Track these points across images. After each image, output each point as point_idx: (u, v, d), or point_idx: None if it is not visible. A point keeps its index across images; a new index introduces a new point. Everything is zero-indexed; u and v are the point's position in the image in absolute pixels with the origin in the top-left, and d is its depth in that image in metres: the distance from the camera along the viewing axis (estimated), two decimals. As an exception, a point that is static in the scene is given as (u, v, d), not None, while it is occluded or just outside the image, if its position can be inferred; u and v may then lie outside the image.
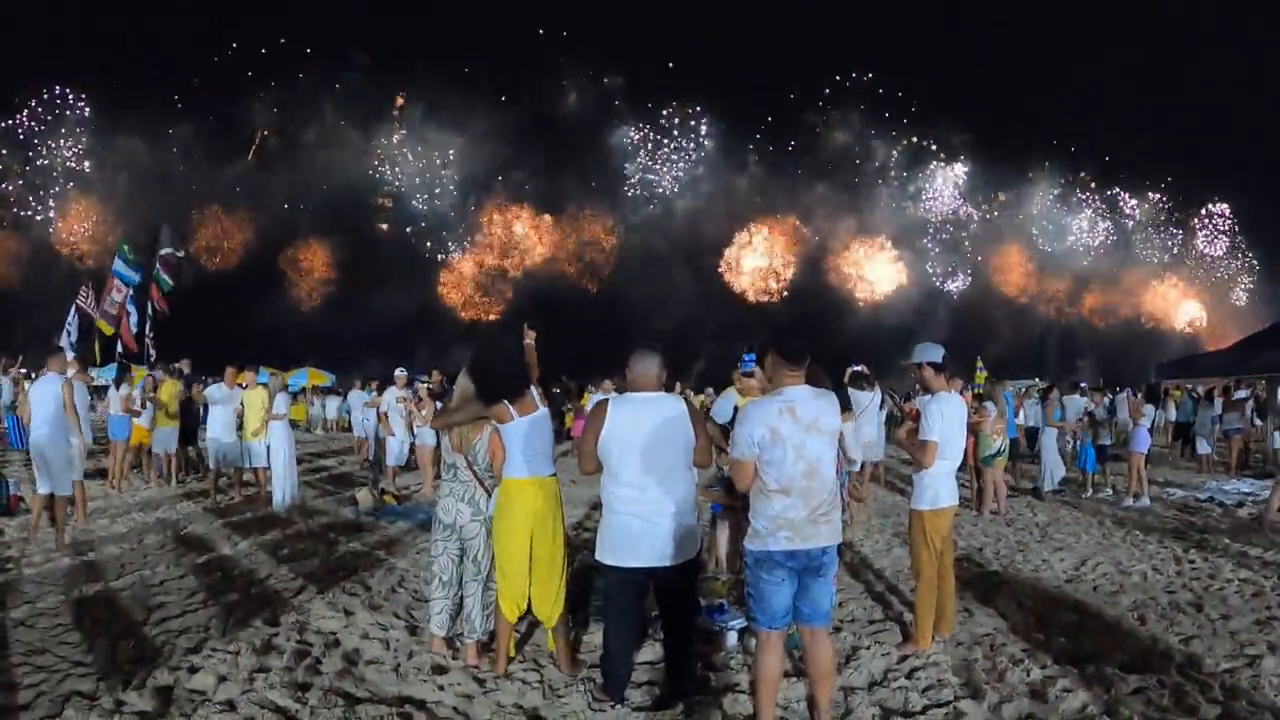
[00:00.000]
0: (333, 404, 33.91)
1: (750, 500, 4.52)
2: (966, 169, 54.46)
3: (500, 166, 52.29)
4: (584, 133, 52.54)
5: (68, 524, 9.74)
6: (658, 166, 53.71)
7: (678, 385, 18.09)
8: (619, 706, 5.01)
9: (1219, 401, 19.15)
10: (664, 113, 53.02)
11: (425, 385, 14.00)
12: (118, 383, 15.55)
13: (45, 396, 9.41)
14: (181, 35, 49.13)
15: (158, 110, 47.18)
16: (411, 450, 14.39)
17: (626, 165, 53.66)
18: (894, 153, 54.56)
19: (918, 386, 6.92)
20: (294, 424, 29.34)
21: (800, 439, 4.30)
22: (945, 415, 6.00)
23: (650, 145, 53.59)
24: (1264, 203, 50.61)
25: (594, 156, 52.90)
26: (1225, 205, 56.03)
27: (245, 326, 43.48)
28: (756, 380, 6.72)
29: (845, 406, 6.33)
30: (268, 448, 12.64)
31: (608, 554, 4.96)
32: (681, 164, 53.74)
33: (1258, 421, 18.44)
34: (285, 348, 42.03)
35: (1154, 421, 18.64)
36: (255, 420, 12.90)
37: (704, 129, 53.36)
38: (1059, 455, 14.67)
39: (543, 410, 5.45)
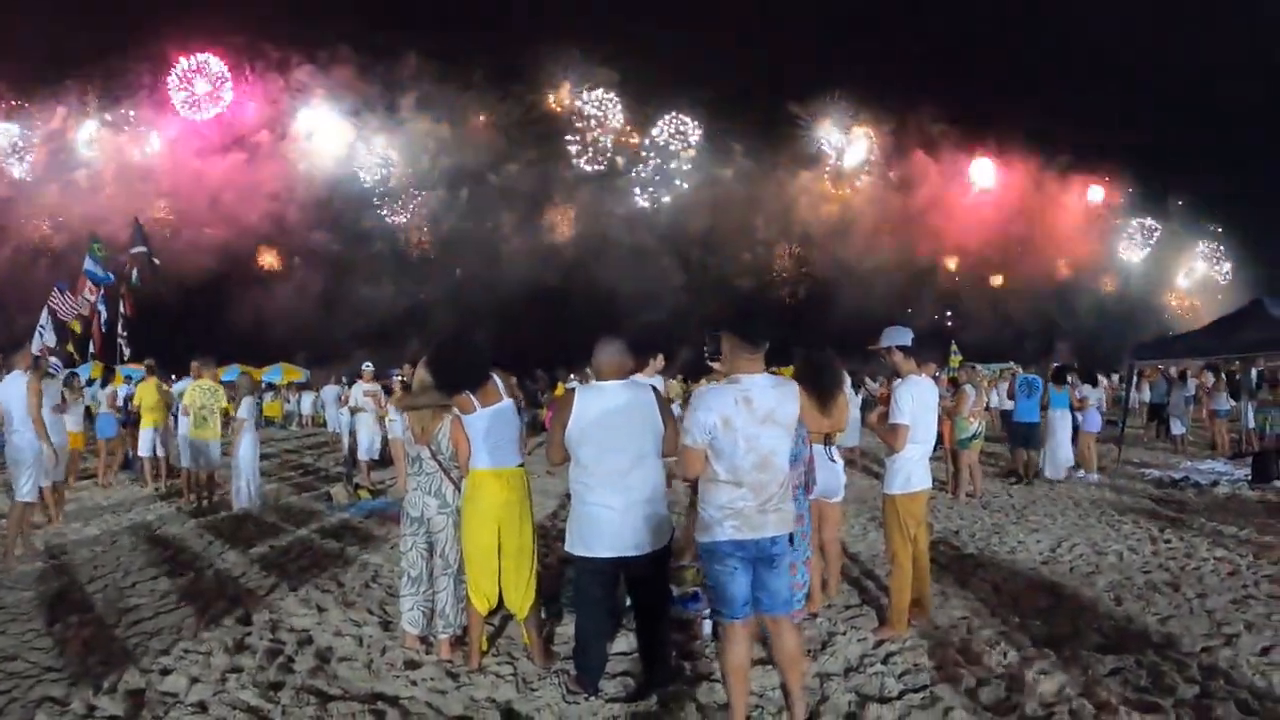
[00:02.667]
0: (308, 400, 33.76)
1: (699, 489, 4.44)
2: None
3: (494, 159, 52.29)
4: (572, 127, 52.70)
5: (38, 528, 9.62)
6: (646, 162, 53.77)
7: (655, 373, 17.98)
8: (593, 698, 4.97)
9: (1193, 382, 19.28)
10: (649, 112, 53.14)
11: (398, 379, 13.93)
12: (104, 382, 15.42)
13: (13, 396, 9.20)
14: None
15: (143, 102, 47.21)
16: (384, 444, 14.28)
17: (618, 160, 53.71)
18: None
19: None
20: (269, 421, 29.25)
21: (753, 430, 4.21)
22: (916, 399, 5.98)
23: (640, 141, 53.65)
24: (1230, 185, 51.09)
25: (583, 151, 53.00)
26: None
27: (230, 322, 43.36)
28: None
29: (827, 387, 6.25)
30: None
31: (578, 544, 4.91)
32: (670, 159, 53.75)
33: (1232, 402, 18.55)
34: (272, 343, 41.95)
35: (1129, 401, 18.81)
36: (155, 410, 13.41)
37: (691, 123, 53.39)
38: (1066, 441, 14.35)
39: (508, 401, 5.40)
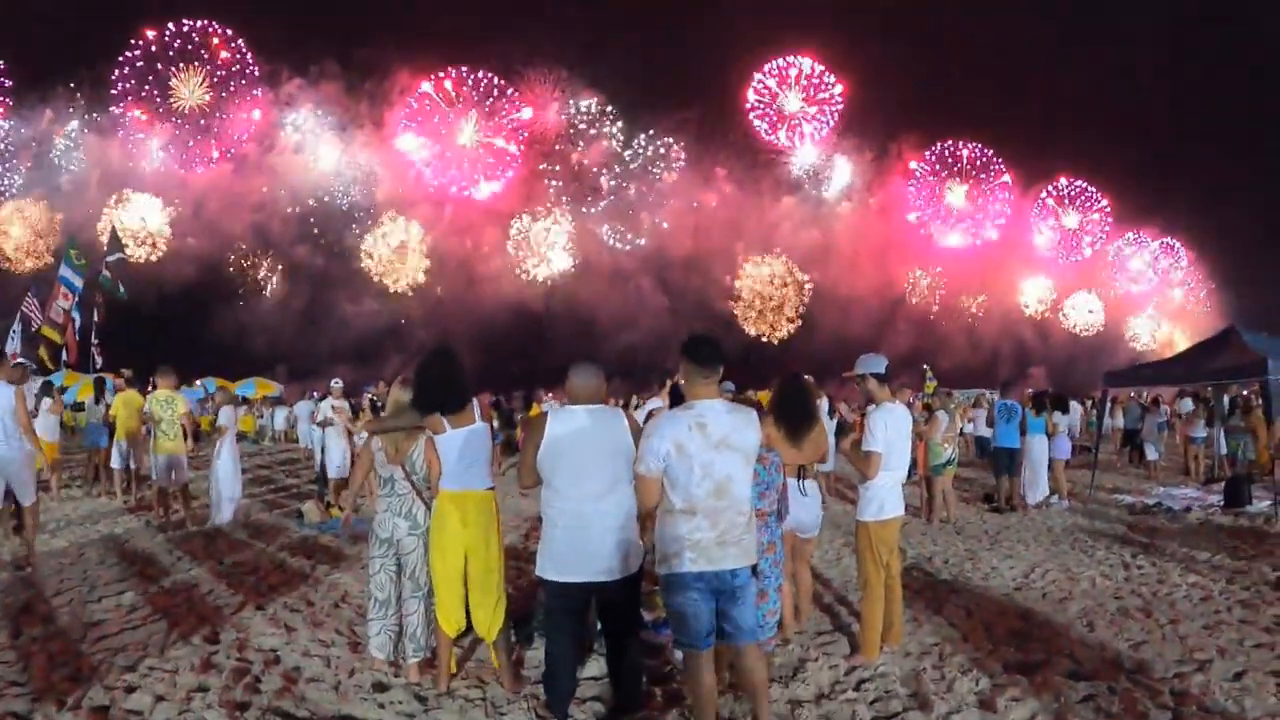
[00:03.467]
0: (281, 415, 33.53)
1: (656, 521, 4.40)
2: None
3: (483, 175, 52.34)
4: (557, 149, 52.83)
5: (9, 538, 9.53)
6: (629, 183, 53.91)
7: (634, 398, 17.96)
8: (562, 723, 4.93)
9: (1166, 409, 19.44)
10: (635, 133, 53.31)
11: (369, 396, 13.84)
12: (98, 396, 15.32)
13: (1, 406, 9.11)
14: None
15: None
16: (353, 461, 14.15)
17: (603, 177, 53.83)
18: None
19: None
20: (242, 435, 29.04)
21: (708, 457, 4.17)
22: (889, 426, 5.97)
23: (622, 162, 53.79)
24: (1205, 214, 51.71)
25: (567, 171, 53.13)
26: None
27: (208, 335, 43.10)
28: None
29: (798, 418, 6.19)
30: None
31: (549, 568, 4.86)
32: (653, 181, 53.92)
33: (1206, 428, 18.71)
34: (251, 357, 41.73)
35: (1102, 428, 18.93)
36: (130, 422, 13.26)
37: (674, 147, 53.60)
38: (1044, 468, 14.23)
39: (480, 425, 5.37)
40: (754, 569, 4.41)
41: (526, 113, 51.84)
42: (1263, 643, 6.41)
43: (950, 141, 55.61)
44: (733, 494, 4.24)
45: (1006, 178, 56.22)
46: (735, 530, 4.26)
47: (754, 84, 54.06)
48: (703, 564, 4.19)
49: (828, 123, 54.24)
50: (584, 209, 53.26)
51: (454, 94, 51.30)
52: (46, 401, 14.10)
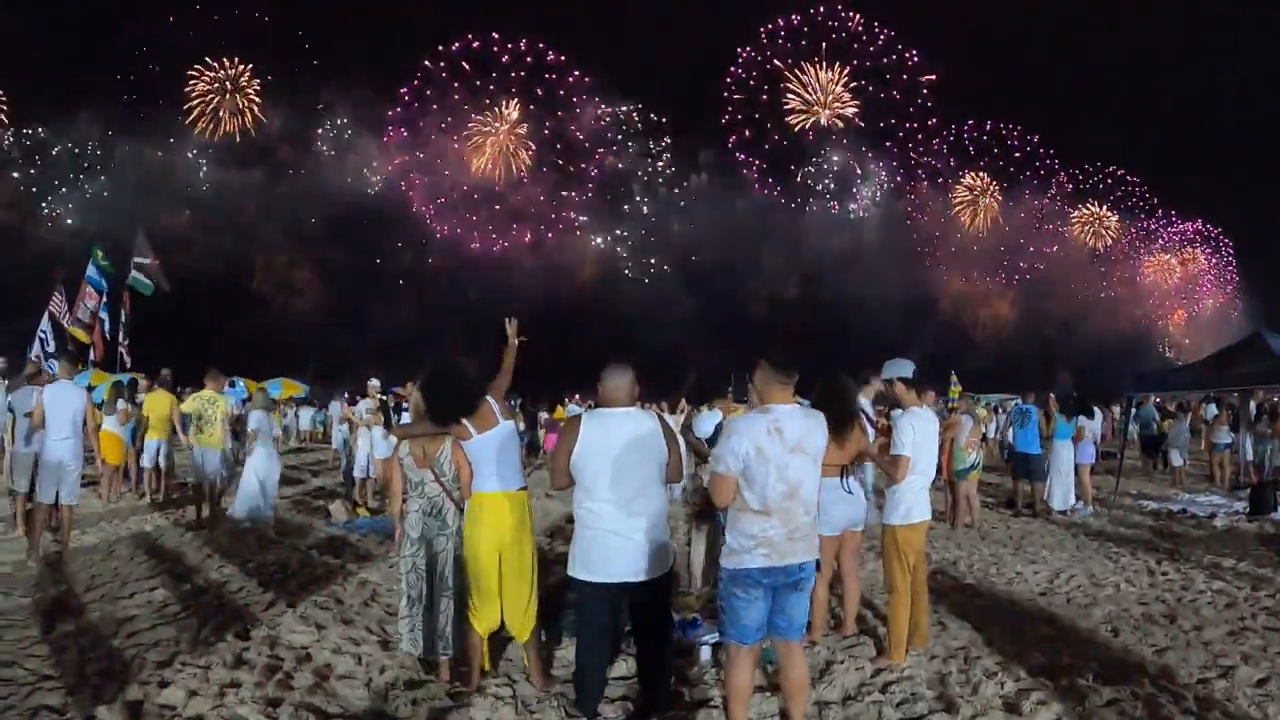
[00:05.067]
0: (306, 415, 33.64)
1: (729, 517, 4.46)
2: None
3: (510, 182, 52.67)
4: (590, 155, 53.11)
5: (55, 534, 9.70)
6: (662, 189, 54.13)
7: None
8: (592, 722, 4.98)
9: (1190, 415, 19.37)
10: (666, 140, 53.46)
11: (380, 397, 13.93)
12: (129, 396, 15.46)
13: (68, 405, 9.33)
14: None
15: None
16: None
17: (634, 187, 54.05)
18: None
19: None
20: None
21: (784, 460, 4.23)
22: (917, 430, 6.00)
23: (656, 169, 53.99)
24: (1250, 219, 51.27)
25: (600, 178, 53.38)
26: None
27: (247, 335, 43.32)
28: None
29: (843, 417, 6.23)
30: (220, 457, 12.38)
31: (580, 569, 4.92)
32: (683, 187, 54.14)
33: (1232, 434, 18.57)
34: (280, 356, 41.87)
35: (1128, 433, 18.80)
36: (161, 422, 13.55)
37: (703, 155, 53.83)
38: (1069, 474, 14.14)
39: (506, 425, 5.43)
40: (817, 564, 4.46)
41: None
42: (1288, 649, 6.39)
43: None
44: (802, 496, 4.32)
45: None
46: (803, 528, 4.34)
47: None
48: (775, 559, 4.27)
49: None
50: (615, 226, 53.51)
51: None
52: (121, 404, 14.31)
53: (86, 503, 13.40)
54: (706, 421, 7.98)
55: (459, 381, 5.42)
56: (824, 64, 54.93)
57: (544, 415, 25.50)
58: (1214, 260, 58.79)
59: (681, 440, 6.26)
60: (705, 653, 6.02)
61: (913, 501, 6.11)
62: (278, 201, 49.34)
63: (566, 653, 6.06)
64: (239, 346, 41.42)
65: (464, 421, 5.30)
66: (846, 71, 55.04)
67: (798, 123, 55.18)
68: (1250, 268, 55.22)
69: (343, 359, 41.86)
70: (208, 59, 49.54)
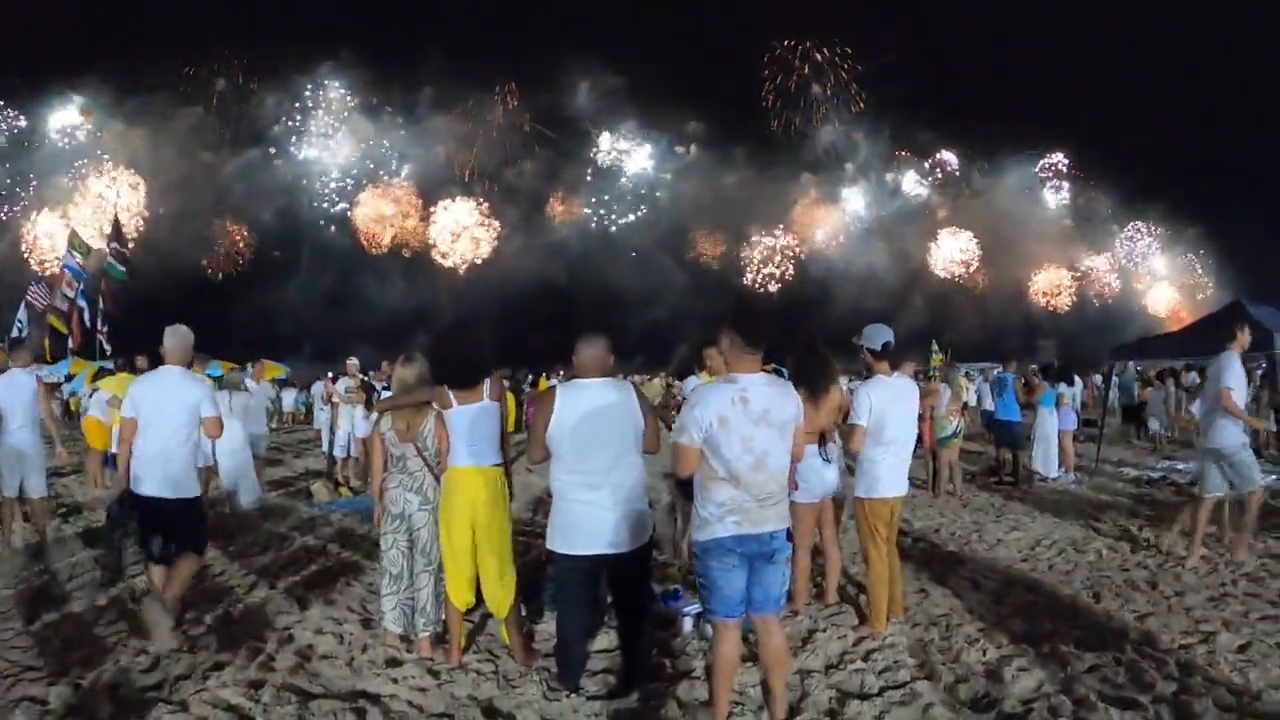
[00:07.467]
0: (288, 396, 33.49)
1: (695, 487, 4.41)
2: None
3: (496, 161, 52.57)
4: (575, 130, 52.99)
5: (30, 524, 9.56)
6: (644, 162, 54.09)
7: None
8: (575, 695, 4.98)
9: (1170, 382, 19.51)
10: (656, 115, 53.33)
11: (361, 376, 13.87)
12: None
13: (19, 394, 9.00)
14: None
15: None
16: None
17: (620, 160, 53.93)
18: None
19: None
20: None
21: (749, 431, 4.18)
22: (874, 399, 5.88)
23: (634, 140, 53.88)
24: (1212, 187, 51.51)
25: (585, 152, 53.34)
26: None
27: (237, 317, 42.93)
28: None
29: (820, 382, 6.26)
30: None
31: (559, 542, 4.92)
32: (668, 159, 54.07)
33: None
34: (277, 338, 41.64)
35: (1109, 401, 18.90)
36: None
37: (690, 127, 53.69)
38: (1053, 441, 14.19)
39: (488, 402, 5.39)
40: (787, 533, 4.45)
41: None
42: (1268, 615, 6.42)
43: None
44: (770, 466, 4.25)
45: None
46: (774, 496, 4.30)
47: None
48: (747, 526, 4.22)
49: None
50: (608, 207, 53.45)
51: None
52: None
53: (68, 490, 13.38)
54: (690, 385, 7.99)
55: (473, 349, 5.41)
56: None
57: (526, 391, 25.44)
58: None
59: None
60: (688, 624, 6.02)
61: (879, 475, 6.02)
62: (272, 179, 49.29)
63: (548, 627, 6.04)
64: (232, 329, 41.08)
65: (449, 391, 5.29)
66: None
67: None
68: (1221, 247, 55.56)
69: (334, 340, 41.74)
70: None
